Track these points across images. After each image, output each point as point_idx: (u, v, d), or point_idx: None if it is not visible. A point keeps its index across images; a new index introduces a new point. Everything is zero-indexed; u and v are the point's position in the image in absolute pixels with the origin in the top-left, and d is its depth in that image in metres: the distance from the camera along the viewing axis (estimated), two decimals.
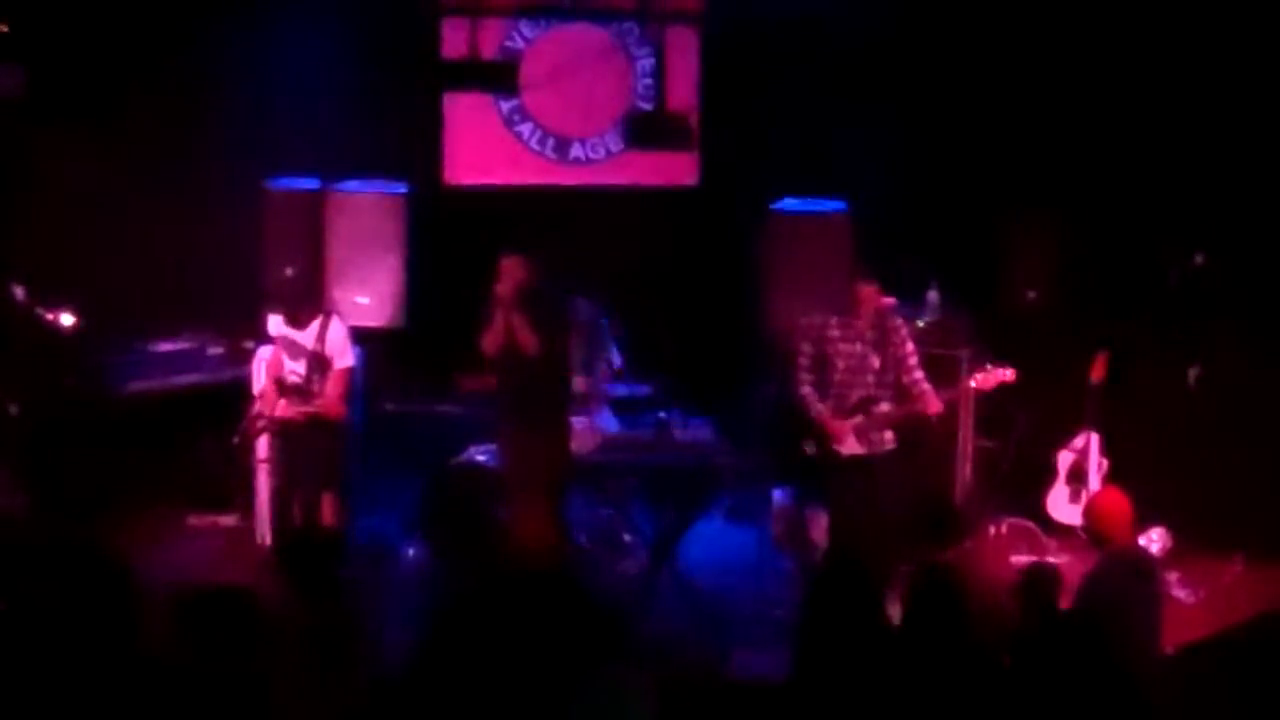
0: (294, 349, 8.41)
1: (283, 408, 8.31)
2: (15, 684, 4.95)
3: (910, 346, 8.27)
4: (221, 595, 5.52)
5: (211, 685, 5.18)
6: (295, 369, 8.38)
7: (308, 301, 8.51)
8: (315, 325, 8.40)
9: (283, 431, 8.36)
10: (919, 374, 8.23)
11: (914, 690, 5.08)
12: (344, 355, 8.47)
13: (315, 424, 8.34)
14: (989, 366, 8.42)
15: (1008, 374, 8.32)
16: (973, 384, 8.41)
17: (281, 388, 8.33)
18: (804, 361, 8.36)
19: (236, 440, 8.52)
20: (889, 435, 8.25)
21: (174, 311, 9.98)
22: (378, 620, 7.74)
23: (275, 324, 8.54)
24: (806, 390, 8.32)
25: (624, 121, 10.60)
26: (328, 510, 8.42)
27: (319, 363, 8.36)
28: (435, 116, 10.75)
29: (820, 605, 5.22)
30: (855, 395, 8.22)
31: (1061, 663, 5.69)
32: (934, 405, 8.17)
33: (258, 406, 8.43)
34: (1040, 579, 6.28)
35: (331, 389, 8.36)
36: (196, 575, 8.08)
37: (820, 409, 8.28)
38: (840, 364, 8.25)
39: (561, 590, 5.66)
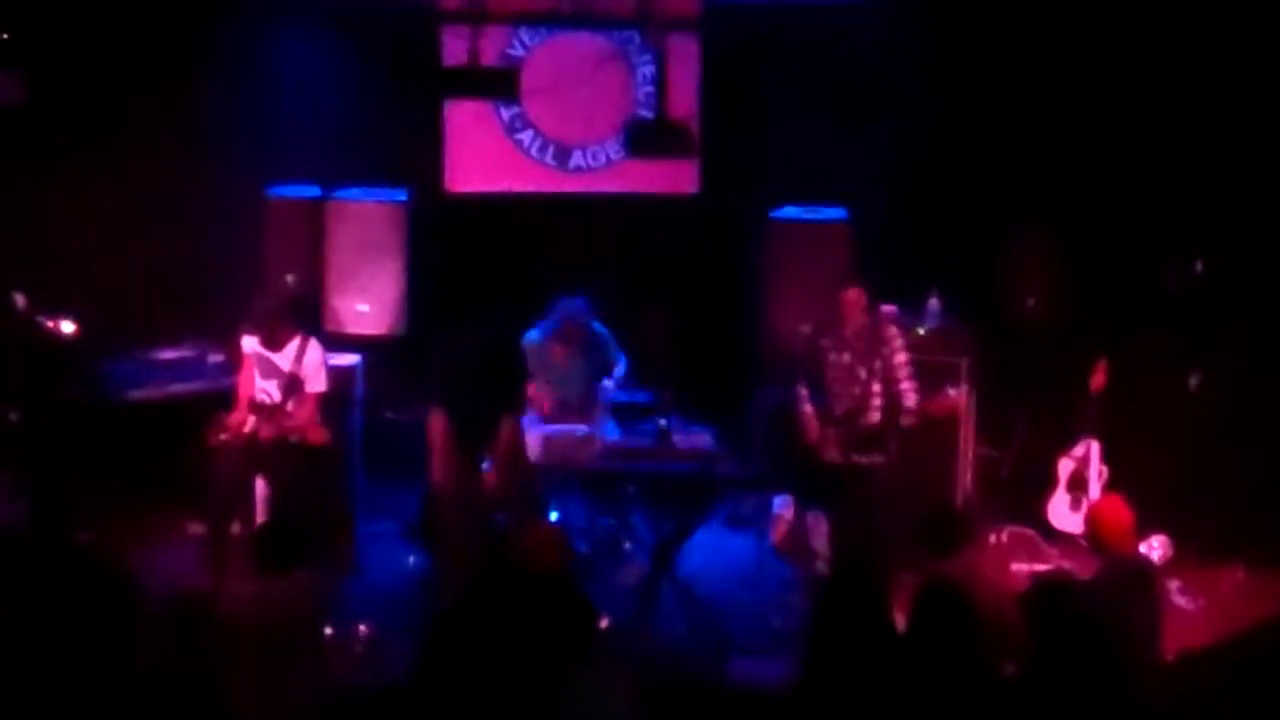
0: (267, 368, 8.42)
1: (251, 425, 8.32)
2: (13, 690, 4.94)
3: (902, 357, 8.24)
4: (180, 602, 5.57)
5: (174, 687, 5.18)
6: (266, 388, 8.40)
7: (282, 324, 8.49)
8: (293, 346, 8.41)
9: (249, 449, 8.36)
10: (907, 384, 8.21)
11: (920, 701, 5.07)
12: (317, 380, 8.48)
13: (296, 452, 8.36)
14: (949, 392, 8.43)
15: (960, 399, 8.35)
16: (930, 409, 8.40)
17: (251, 407, 8.35)
18: (804, 368, 8.39)
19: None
20: (877, 449, 8.23)
21: (174, 319, 9.98)
22: (378, 628, 7.77)
23: (251, 342, 8.53)
24: (802, 395, 8.35)
25: (624, 129, 10.59)
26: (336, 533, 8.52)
27: (293, 384, 8.37)
28: (436, 124, 10.75)
29: (828, 612, 5.22)
30: (842, 406, 8.23)
31: (1064, 670, 5.68)
32: (907, 418, 8.15)
33: (225, 418, 8.43)
34: (1056, 592, 6.26)
35: (302, 412, 8.39)
36: (195, 582, 8.08)
37: (809, 411, 8.30)
38: (829, 374, 8.26)
39: (560, 595, 5.67)
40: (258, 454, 8.39)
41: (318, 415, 8.48)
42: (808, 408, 8.33)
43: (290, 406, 8.38)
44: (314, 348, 8.50)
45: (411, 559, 8.87)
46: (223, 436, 8.41)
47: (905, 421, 8.13)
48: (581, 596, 6.17)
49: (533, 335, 9.15)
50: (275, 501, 8.71)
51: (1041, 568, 8.88)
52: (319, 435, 8.44)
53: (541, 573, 6.11)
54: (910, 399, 8.17)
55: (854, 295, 8.17)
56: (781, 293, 9.86)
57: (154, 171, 10.06)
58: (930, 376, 8.65)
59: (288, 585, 6.21)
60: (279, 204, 9.77)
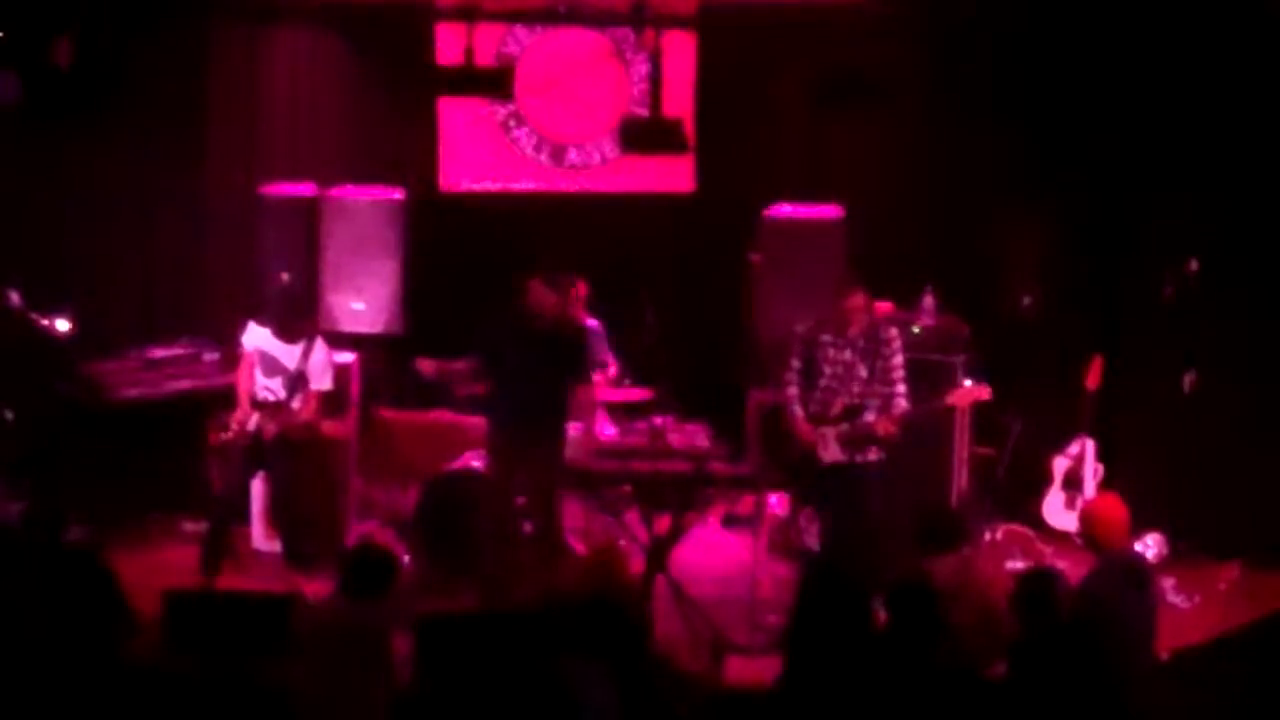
0: (271, 366, 8.42)
1: (255, 422, 8.33)
2: (7, 688, 4.95)
3: (899, 359, 8.26)
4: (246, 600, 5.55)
5: (237, 690, 5.20)
6: (269, 385, 8.41)
7: (303, 320, 8.53)
8: (301, 343, 8.43)
9: (251, 447, 8.37)
10: (900, 387, 8.23)
11: (902, 699, 5.08)
12: (323, 378, 8.51)
13: (298, 449, 8.38)
14: (967, 383, 8.44)
15: (983, 392, 8.37)
16: (949, 401, 8.41)
17: (253, 404, 8.36)
18: (795, 366, 8.39)
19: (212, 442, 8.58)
20: (873, 447, 8.23)
21: (169, 317, 9.97)
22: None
23: (258, 337, 8.52)
24: (791, 396, 8.36)
25: (620, 127, 10.60)
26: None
27: (298, 381, 8.39)
28: (431, 122, 10.75)
29: (807, 612, 5.23)
30: (840, 403, 8.22)
31: (1057, 668, 5.69)
32: (883, 426, 8.15)
33: (227, 416, 8.45)
34: (1041, 584, 6.28)
35: (307, 409, 8.41)
36: (191, 581, 8.08)
37: (799, 415, 8.30)
38: (828, 371, 8.27)
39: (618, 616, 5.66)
40: (260, 451, 8.40)
41: (321, 412, 8.52)
42: (798, 410, 8.33)
43: (295, 403, 8.41)
44: (320, 346, 8.55)
45: (406, 558, 8.85)
46: (224, 435, 8.42)
47: (884, 429, 8.13)
48: (638, 618, 6.13)
49: None
50: (277, 499, 8.72)
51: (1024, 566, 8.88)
52: (331, 427, 8.48)
53: (603, 593, 6.12)
54: (900, 405, 8.19)
55: (858, 301, 8.19)
56: (777, 290, 9.83)
57: (148, 170, 10.05)
58: (926, 375, 8.65)
59: (372, 608, 6.16)
60: (274, 202, 9.75)
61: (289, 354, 8.46)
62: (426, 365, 8.53)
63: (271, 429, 8.35)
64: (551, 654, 5.46)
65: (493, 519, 8.42)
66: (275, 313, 8.57)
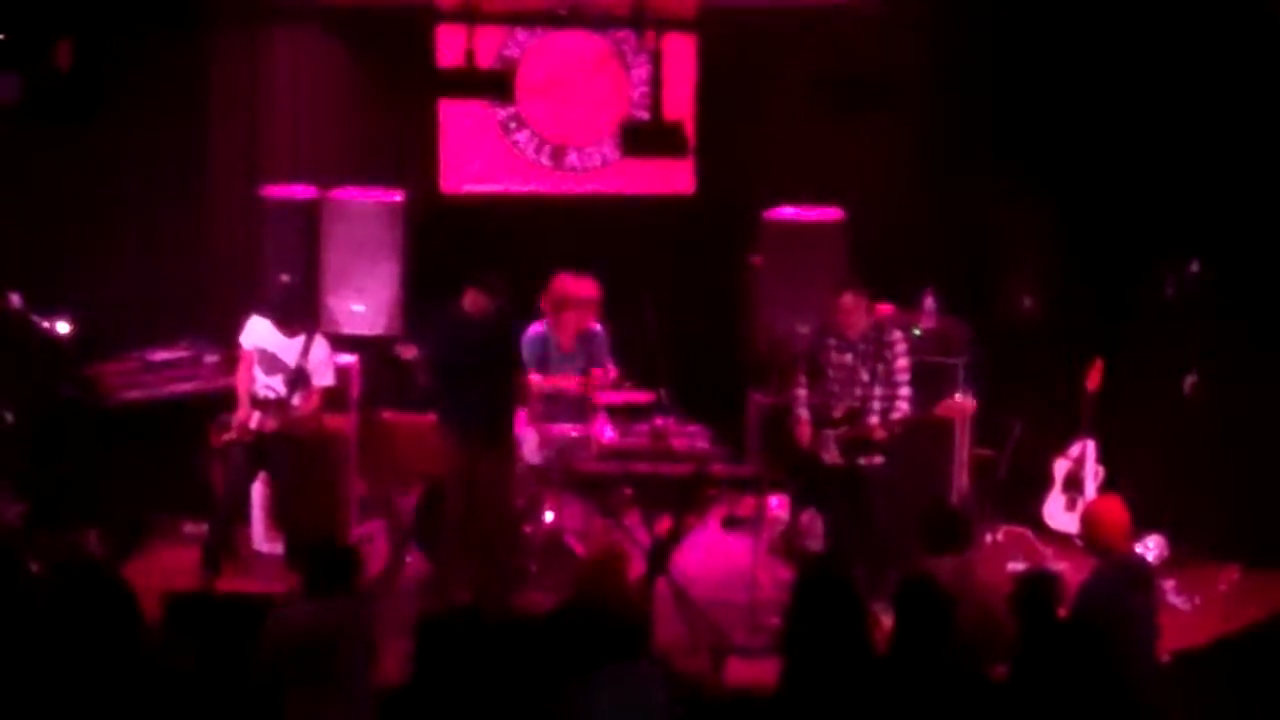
0: (271, 364, 8.43)
1: (257, 420, 8.34)
2: (13, 692, 4.95)
3: (903, 362, 8.27)
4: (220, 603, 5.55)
5: (224, 693, 5.18)
6: (270, 383, 8.42)
7: (304, 312, 8.57)
8: (300, 340, 8.44)
9: (257, 446, 8.39)
10: (904, 390, 8.25)
11: (900, 700, 5.08)
12: (324, 374, 8.53)
13: (300, 447, 8.39)
14: (956, 396, 8.48)
15: (968, 405, 8.40)
16: (938, 412, 8.43)
17: (254, 402, 8.37)
18: (801, 366, 8.40)
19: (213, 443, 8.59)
20: (877, 451, 8.24)
21: (170, 319, 9.97)
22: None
23: (257, 335, 8.53)
24: (798, 398, 8.37)
25: (620, 129, 10.59)
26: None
27: (299, 378, 8.40)
28: (431, 124, 10.75)
29: (802, 614, 5.22)
30: (844, 407, 8.24)
31: (1058, 670, 5.69)
32: (879, 432, 8.17)
33: (229, 417, 8.47)
34: (1038, 586, 6.28)
35: (308, 405, 8.43)
36: (191, 583, 8.08)
37: (803, 417, 8.31)
38: (830, 374, 8.29)
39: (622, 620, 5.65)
40: (262, 451, 8.41)
41: (320, 407, 8.53)
42: (803, 412, 8.35)
43: (296, 400, 8.42)
44: (320, 342, 8.58)
45: (407, 560, 8.85)
46: (226, 436, 8.43)
47: (879, 435, 8.15)
48: (639, 620, 6.11)
49: (536, 331, 9.16)
50: (279, 498, 8.72)
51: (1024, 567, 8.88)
52: (334, 422, 8.52)
53: (603, 595, 6.11)
54: (902, 408, 8.20)
55: (849, 300, 8.20)
56: (777, 292, 9.86)
57: (149, 172, 10.06)
58: (928, 377, 8.65)
59: (341, 604, 6.16)
60: (274, 204, 9.76)
61: (289, 351, 8.47)
62: (407, 350, 8.61)
63: (273, 426, 8.36)
64: (552, 656, 5.45)
65: (457, 517, 8.46)
66: (275, 304, 8.60)
